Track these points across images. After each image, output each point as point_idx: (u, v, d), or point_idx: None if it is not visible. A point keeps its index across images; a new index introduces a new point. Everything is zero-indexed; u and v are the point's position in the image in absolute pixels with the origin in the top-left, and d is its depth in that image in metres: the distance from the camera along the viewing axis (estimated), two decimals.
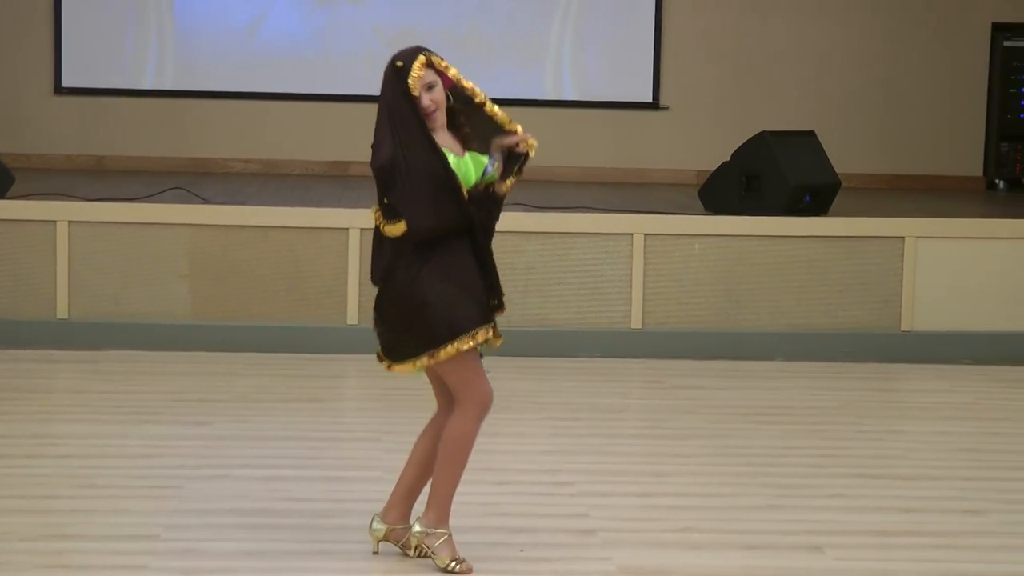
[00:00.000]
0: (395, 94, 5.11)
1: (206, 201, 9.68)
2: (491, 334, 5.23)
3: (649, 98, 13.08)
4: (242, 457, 6.78)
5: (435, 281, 5.14)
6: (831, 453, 7.08)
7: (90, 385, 8.34)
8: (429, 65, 5.15)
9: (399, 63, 5.12)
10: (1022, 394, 8.59)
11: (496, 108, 5.28)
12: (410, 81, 5.08)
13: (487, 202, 5.24)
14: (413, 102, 5.10)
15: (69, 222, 9.18)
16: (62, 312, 9.17)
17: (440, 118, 5.19)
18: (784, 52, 13.06)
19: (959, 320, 9.49)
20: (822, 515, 6.01)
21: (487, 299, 5.22)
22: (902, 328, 9.46)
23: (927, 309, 9.47)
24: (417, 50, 5.17)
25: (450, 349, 5.11)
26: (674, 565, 5.34)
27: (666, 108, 13.08)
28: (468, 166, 5.19)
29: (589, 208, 9.91)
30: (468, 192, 5.15)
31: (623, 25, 13.04)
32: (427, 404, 5.42)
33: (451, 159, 5.13)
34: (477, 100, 5.25)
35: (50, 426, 7.36)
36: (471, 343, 5.13)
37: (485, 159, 5.22)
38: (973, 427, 7.73)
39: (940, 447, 7.29)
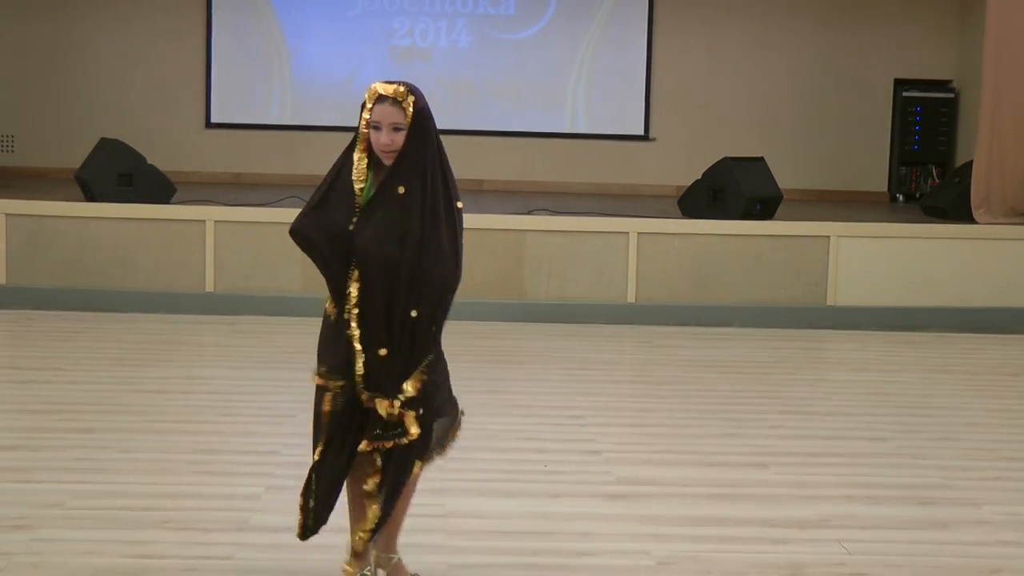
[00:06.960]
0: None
1: None
2: (362, 396, 3.44)
3: (641, 132, 13.05)
4: None
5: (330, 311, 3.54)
6: (773, 395, 7.08)
7: (229, 340, 8.39)
8: (396, 102, 3.46)
9: (380, 89, 3.52)
10: (913, 352, 8.56)
11: None
12: (368, 107, 3.50)
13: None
14: (362, 113, 3.54)
15: (215, 221, 9.22)
16: (209, 287, 9.22)
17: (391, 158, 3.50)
18: (742, 98, 13.02)
19: (869, 298, 9.46)
20: (765, 441, 6.01)
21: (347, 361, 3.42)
22: (827, 303, 9.43)
23: (846, 290, 9.44)
24: (400, 86, 3.52)
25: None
26: (657, 477, 5.35)
27: (654, 139, 13.05)
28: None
29: (596, 213, 9.90)
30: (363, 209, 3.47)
31: (622, 77, 13.02)
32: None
33: (368, 175, 3.55)
34: None
35: (200, 370, 7.41)
36: (314, 379, 3.50)
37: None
38: (877, 376, 7.72)
39: (852, 391, 7.27)
